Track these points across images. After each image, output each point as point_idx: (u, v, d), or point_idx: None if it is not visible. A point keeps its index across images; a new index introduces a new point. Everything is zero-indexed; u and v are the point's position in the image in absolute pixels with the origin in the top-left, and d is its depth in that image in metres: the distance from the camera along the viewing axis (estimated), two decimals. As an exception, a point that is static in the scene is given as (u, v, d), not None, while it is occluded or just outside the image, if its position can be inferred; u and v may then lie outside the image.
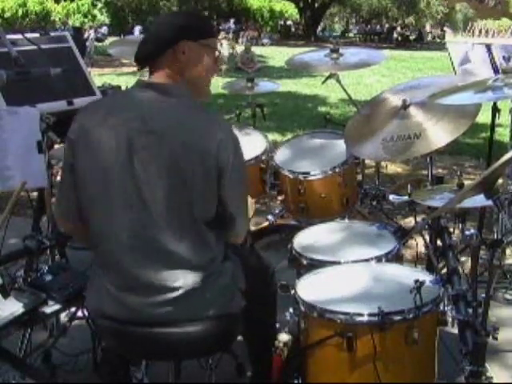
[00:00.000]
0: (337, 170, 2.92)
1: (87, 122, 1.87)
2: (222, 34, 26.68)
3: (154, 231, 1.83)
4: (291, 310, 2.16)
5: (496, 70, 3.70)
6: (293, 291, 2.14)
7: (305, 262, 2.42)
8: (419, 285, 1.91)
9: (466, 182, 2.29)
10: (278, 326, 2.35)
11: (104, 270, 1.91)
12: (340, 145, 2.93)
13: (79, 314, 2.68)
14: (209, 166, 1.82)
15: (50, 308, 2.13)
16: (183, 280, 1.85)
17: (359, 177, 3.14)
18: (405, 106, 2.50)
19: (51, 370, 2.57)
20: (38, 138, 2.49)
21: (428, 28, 36.84)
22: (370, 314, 1.91)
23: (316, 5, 34.29)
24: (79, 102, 3.01)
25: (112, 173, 1.82)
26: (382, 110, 2.64)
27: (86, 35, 15.13)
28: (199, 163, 1.81)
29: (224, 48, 17.56)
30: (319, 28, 36.66)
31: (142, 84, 1.92)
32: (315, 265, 2.36)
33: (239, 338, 2.16)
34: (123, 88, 3.65)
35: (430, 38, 39.00)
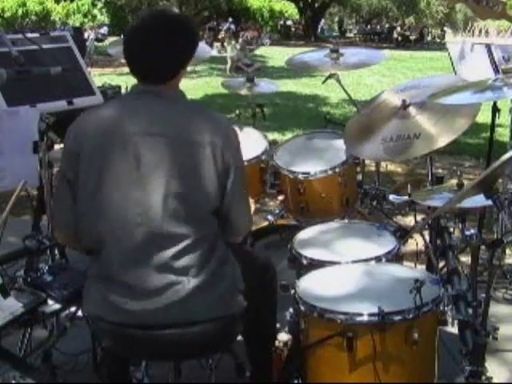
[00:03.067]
0: (337, 169, 2.92)
1: (89, 132, 1.87)
2: (221, 34, 26.68)
3: (161, 233, 1.84)
4: (291, 310, 2.16)
5: (496, 70, 3.70)
6: (293, 291, 2.14)
7: (305, 262, 2.42)
8: (419, 285, 1.91)
9: (466, 182, 2.29)
10: (278, 326, 2.35)
11: (104, 274, 1.91)
12: (340, 145, 2.92)
13: (79, 313, 2.68)
14: (217, 158, 1.88)
15: (50, 308, 2.12)
16: (187, 283, 1.86)
17: (359, 177, 3.14)
18: (405, 106, 2.50)
19: (51, 370, 2.57)
20: (34, 138, 2.49)
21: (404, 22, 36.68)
22: (369, 314, 1.91)
23: (316, 5, 34.25)
24: (79, 101, 3.01)
25: (121, 178, 1.83)
26: (381, 110, 2.64)
27: (85, 35, 15.14)
28: (208, 157, 1.87)
29: (227, 49, 17.58)
30: (319, 28, 36.61)
31: (140, 90, 1.95)
32: (315, 265, 2.36)
33: (239, 337, 2.16)
34: (123, 88, 3.65)
35: (429, 37, 39.00)
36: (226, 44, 18.97)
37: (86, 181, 1.86)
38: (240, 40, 18.82)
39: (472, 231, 2.18)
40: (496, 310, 3.14)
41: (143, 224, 1.83)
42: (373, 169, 3.41)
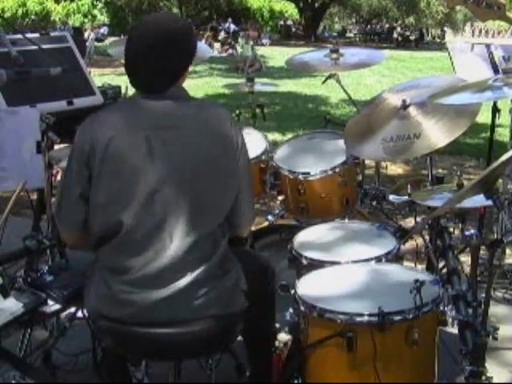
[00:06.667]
0: (337, 169, 2.92)
1: (102, 133, 1.89)
2: (221, 34, 26.67)
3: (169, 229, 1.87)
4: (291, 310, 2.16)
5: (496, 70, 3.69)
6: (293, 291, 2.14)
7: (305, 262, 2.42)
8: (419, 285, 1.91)
9: (466, 182, 2.29)
10: (278, 326, 2.35)
11: (107, 269, 1.93)
12: (340, 145, 2.92)
13: (79, 314, 2.68)
14: (228, 146, 1.97)
15: (50, 308, 2.13)
16: (190, 279, 1.88)
17: (359, 177, 3.14)
18: (405, 106, 2.50)
19: (51, 370, 2.57)
20: (37, 138, 2.49)
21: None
22: (370, 314, 1.91)
23: (316, 5, 34.24)
24: (79, 101, 3.01)
25: (135, 174, 1.86)
26: (381, 110, 2.64)
27: (85, 35, 15.16)
28: (220, 145, 1.95)
29: (246, 49, 17.55)
30: (319, 28, 36.61)
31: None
32: (315, 265, 2.36)
33: (239, 337, 2.16)
34: (123, 88, 3.65)
35: (429, 37, 38.99)
36: (241, 42, 18.99)
37: (103, 175, 1.89)
38: (244, 40, 18.83)
39: (472, 231, 2.18)
40: (496, 310, 3.14)
41: (157, 213, 1.86)
42: (373, 169, 3.41)
